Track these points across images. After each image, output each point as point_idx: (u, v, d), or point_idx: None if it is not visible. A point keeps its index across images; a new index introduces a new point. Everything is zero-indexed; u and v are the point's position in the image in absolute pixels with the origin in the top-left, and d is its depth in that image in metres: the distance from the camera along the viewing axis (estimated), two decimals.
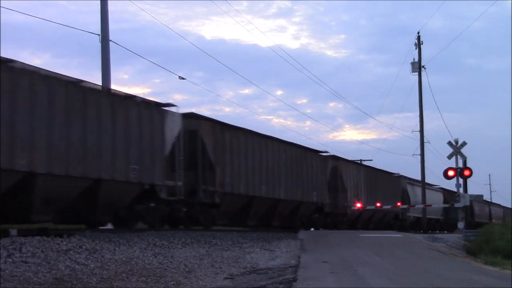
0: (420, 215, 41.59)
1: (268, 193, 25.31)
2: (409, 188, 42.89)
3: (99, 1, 23.51)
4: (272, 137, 26.55)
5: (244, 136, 24.05)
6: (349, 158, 38.95)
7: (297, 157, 28.47)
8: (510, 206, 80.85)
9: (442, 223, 48.14)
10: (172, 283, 11.44)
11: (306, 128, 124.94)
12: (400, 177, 42.47)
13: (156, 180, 18.43)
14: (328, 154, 32.44)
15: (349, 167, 34.48)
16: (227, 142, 22.69)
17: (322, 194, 30.66)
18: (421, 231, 37.16)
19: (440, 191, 49.49)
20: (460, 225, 29.52)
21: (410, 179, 43.94)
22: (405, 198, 41.52)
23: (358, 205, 32.85)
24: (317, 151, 31.44)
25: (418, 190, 42.39)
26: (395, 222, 40.71)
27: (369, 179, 36.62)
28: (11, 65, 13.98)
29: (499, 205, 74.03)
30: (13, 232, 13.76)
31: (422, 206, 38.42)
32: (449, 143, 29.36)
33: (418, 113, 41.27)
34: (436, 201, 45.17)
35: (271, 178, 25.65)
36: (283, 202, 26.67)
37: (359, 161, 45.63)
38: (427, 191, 42.09)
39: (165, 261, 13.78)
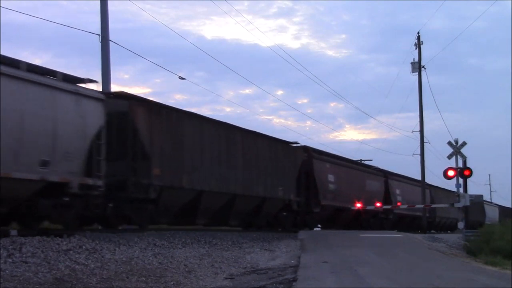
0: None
1: (221, 188, 21.82)
2: None
3: (99, 1, 23.58)
4: (225, 123, 23.21)
5: (188, 121, 20.53)
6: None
7: (257, 147, 24.92)
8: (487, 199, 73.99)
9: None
10: (172, 283, 11.44)
11: (307, 128, 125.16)
12: None
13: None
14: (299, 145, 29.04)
15: None
16: (166, 127, 19.18)
17: (290, 189, 26.87)
18: (419, 231, 37.11)
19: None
20: (460, 225, 29.52)
21: None
22: None
23: (358, 205, 32.34)
24: (287, 142, 28.14)
25: None
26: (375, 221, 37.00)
27: None
28: None
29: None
30: (13, 232, 13.75)
31: (422, 206, 38.39)
32: (449, 143, 29.34)
33: (418, 113, 41.37)
34: None
35: (225, 171, 22.04)
36: (240, 198, 23.01)
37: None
38: None
39: (165, 261, 13.78)
